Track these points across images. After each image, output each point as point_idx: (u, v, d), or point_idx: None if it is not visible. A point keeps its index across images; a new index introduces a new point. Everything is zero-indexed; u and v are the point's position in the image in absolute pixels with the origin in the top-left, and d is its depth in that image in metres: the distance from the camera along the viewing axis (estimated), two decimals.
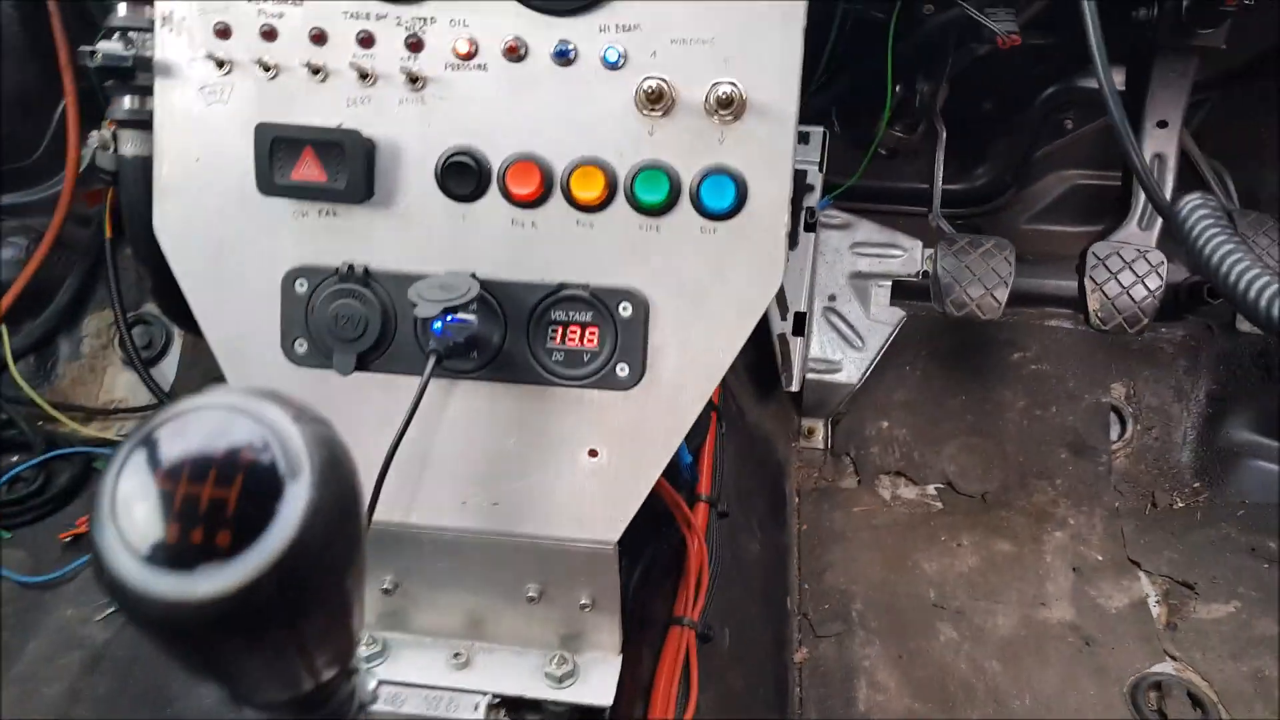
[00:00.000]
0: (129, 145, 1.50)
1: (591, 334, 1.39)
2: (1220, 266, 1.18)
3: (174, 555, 0.67)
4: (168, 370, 2.62)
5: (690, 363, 1.39)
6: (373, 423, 1.44)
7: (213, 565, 0.67)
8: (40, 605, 2.12)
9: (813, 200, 2.48)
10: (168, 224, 1.42)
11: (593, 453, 1.43)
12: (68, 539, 2.22)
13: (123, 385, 2.64)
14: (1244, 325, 2.41)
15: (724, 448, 2.09)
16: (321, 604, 0.73)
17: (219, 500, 0.67)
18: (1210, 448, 2.68)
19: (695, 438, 1.98)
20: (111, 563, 0.68)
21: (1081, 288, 2.35)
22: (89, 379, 2.65)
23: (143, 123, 1.47)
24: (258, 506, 0.68)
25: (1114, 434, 2.74)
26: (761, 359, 2.53)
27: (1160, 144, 2.31)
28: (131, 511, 0.68)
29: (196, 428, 0.70)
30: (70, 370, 2.63)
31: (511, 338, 1.40)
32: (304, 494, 0.69)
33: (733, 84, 1.30)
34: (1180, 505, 2.63)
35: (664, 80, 1.31)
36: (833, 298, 2.65)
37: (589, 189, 1.35)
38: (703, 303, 1.38)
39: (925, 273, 2.57)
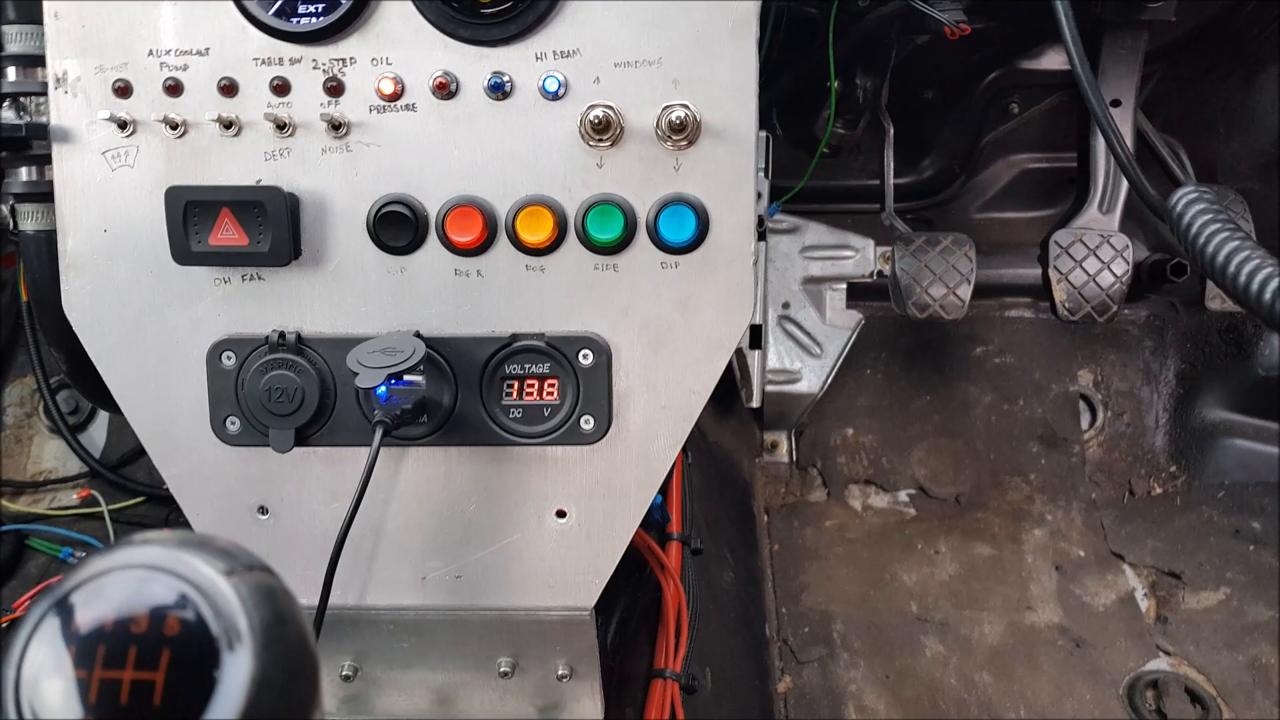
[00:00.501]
0: (29, 220, 1.37)
1: (550, 387, 1.29)
2: (1228, 266, 1.10)
3: None
4: (97, 435, 2.47)
5: (660, 409, 1.30)
6: (319, 501, 1.33)
7: None
8: None
9: (761, 208, 2.39)
10: (77, 301, 1.30)
11: (561, 513, 1.33)
12: (6, 624, 2.08)
13: (51, 454, 2.49)
14: (1212, 302, 2.34)
15: (691, 479, 1.99)
16: None
17: (143, 685, 0.56)
18: (1184, 429, 2.63)
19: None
20: None
21: (1046, 279, 2.28)
22: (15, 451, 2.50)
23: (43, 195, 1.34)
24: (191, 687, 0.57)
25: (1084, 423, 2.68)
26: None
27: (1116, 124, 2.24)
28: (39, 703, 0.57)
29: (110, 595, 0.59)
30: None
31: (464, 398, 1.29)
32: (245, 665, 0.58)
33: (685, 106, 1.21)
34: (1158, 491, 2.58)
35: (610, 108, 1.22)
36: (786, 305, 2.57)
37: (537, 231, 1.25)
38: (669, 344, 1.28)
39: (880, 272, 2.49)
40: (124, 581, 0.59)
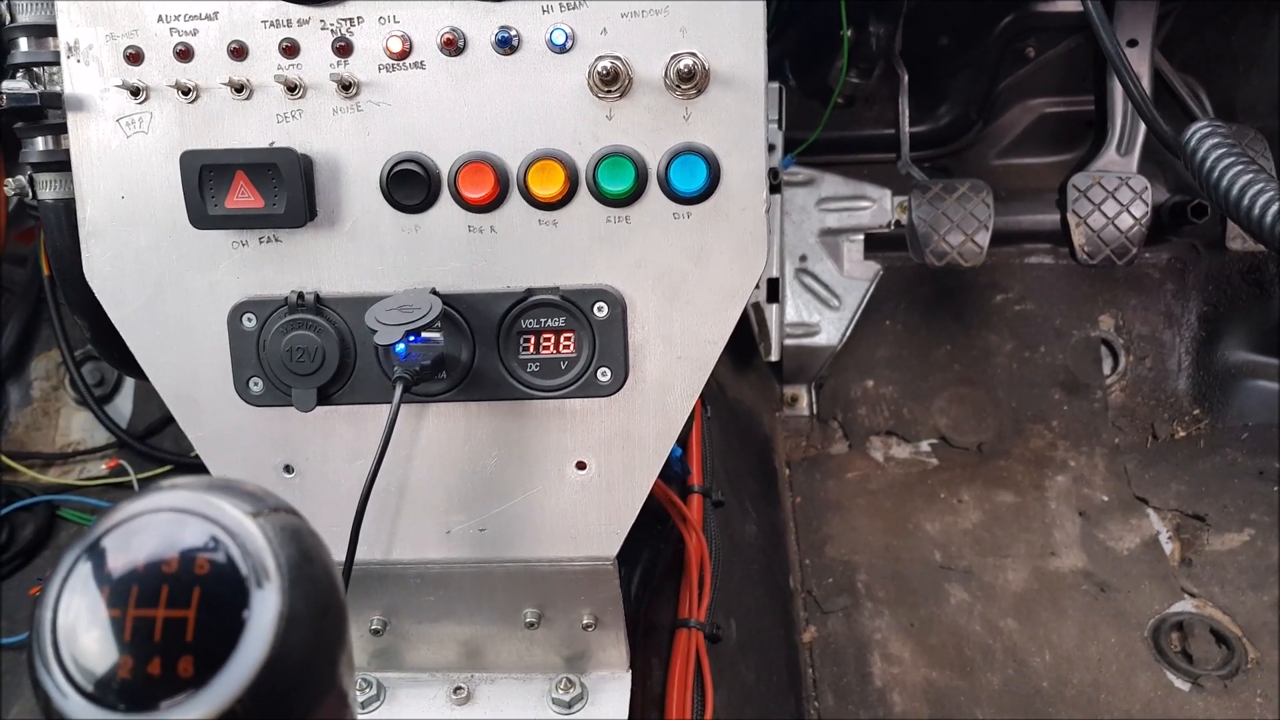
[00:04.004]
0: (48, 189, 1.38)
1: (567, 340, 1.30)
2: (1242, 199, 1.10)
3: (131, 692, 0.58)
4: (123, 406, 2.51)
5: (676, 359, 1.31)
6: (343, 458, 1.35)
7: (178, 700, 0.58)
8: (18, 667, 2.02)
9: (775, 160, 2.39)
10: (98, 268, 1.32)
11: (581, 465, 1.34)
12: (39, 594, 2.11)
13: (78, 426, 2.53)
14: (1233, 243, 2.33)
15: (711, 433, 2.00)
16: (310, 717, 0.64)
17: (176, 622, 0.58)
18: (1207, 372, 2.63)
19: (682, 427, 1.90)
20: (59, 704, 0.59)
21: (1064, 223, 2.28)
22: (43, 423, 2.53)
23: (60, 163, 1.36)
24: (222, 623, 0.59)
25: (1106, 368, 2.68)
26: (736, 329, 2.43)
27: (1132, 65, 2.22)
28: (77, 643, 0.59)
29: (142, 538, 0.61)
30: (22, 417, 2.52)
31: (481, 353, 1.30)
32: (273, 601, 0.60)
33: (693, 55, 1.20)
34: (1181, 435, 2.58)
35: (618, 58, 1.21)
36: (804, 258, 2.57)
37: (548, 185, 1.25)
38: (683, 294, 1.29)
39: (897, 222, 2.49)
40: (154, 524, 0.61)
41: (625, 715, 1.48)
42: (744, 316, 2.38)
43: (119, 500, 0.65)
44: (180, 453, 2.36)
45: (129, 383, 2.52)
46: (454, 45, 1.24)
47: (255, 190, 1.24)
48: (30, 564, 2.23)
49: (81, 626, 0.59)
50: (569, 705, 1.47)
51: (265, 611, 0.59)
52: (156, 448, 2.39)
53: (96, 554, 0.61)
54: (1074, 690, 2.05)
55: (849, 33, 2.37)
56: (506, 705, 1.49)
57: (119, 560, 0.60)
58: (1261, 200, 1.09)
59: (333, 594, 0.65)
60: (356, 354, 1.30)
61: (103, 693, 0.58)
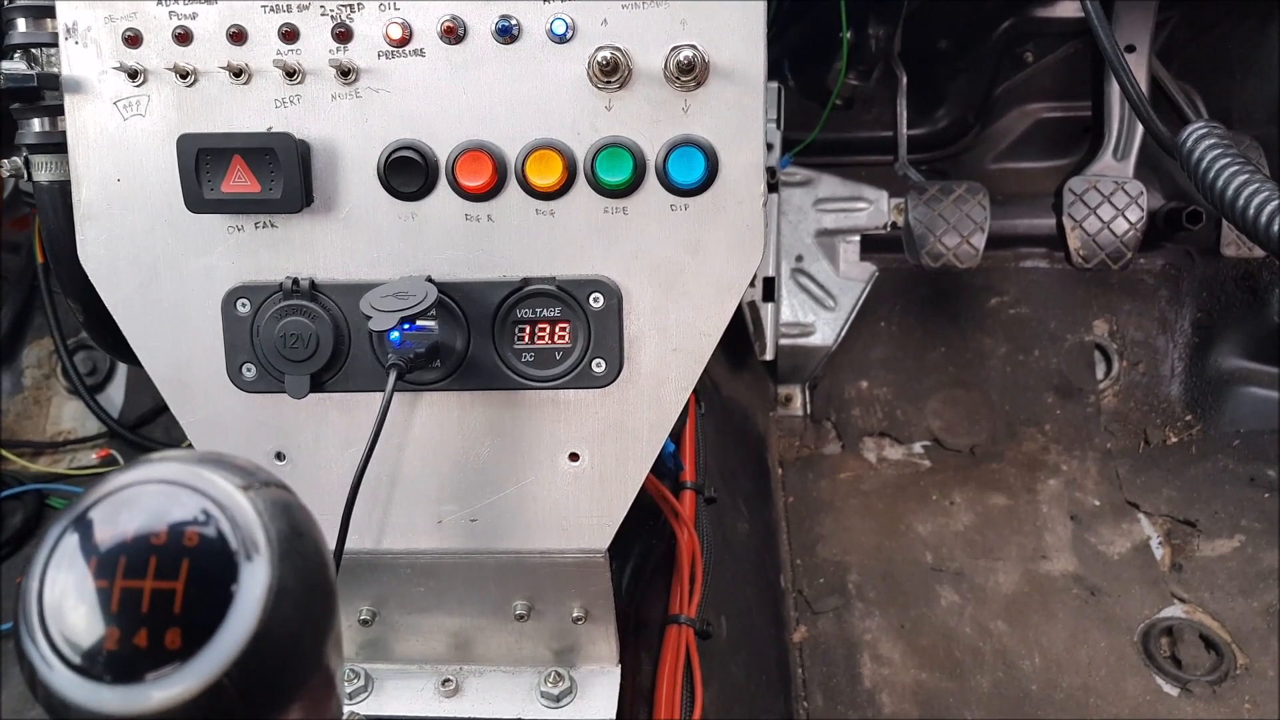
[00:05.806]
0: (43, 171, 1.37)
1: (562, 330, 1.30)
2: (1237, 200, 1.10)
3: (117, 664, 0.58)
4: (115, 395, 2.50)
5: (671, 352, 1.30)
6: (335, 446, 1.34)
7: (164, 671, 0.57)
8: (6, 655, 2.01)
9: (772, 160, 2.39)
10: (92, 251, 1.31)
11: (574, 456, 1.34)
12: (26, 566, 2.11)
13: (70, 415, 2.53)
14: (1228, 249, 2.34)
15: (705, 429, 2.00)
16: (297, 694, 0.64)
17: (164, 594, 0.58)
18: (1200, 378, 2.63)
19: (675, 422, 1.89)
20: (44, 675, 0.59)
21: (1060, 226, 2.28)
22: (34, 412, 2.53)
23: (56, 145, 1.35)
24: (210, 596, 0.58)
25: (1100, 372, 2.68)
26: (731, 328, 2.42)
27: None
28: (63, 615, 0.59)
29: (131, 509, 0.60)
30: (13, 405, 2.51)
31: (476, 342, 1.30)
32: (262, 575, 0.59)
33: (693, 47, 1.20)
34: (1174, 440, 2.58)
35: (618, 49, 1.21)
36: (800, 258, 2.57)
37: (546, 174, 1.25)
38: (679, 286, 1.28)
39: (894, 224, 2.49)
40: (143, 496, 0.60)
41: (614, 710, 1.47)
42: (739, 315, 2.38)
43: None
44: (172, 443, 2.36)
45: (121, 372, 2.52)
46: (454, 33, 1.24)
47: (252, 175, 1.24)
48: (19, 552, 2.23)
49: (68, 597, 0.59)
50: (557, 699, 1.47)
51: (254, 585, 0.59)
52: (148, 437, 2.38)
53: (84, 525, 0.60)
54: (1063, 694, 2.05)
55: (848, 34, 2.37)
56: (495, 698, 1.49)
57: (107, 531, 0.60)
58: (1257, 201, 1.08)
59: (322, 570, 0.65)
60: (350, 341, 1.30)
61: (89, 664, 0.58)
